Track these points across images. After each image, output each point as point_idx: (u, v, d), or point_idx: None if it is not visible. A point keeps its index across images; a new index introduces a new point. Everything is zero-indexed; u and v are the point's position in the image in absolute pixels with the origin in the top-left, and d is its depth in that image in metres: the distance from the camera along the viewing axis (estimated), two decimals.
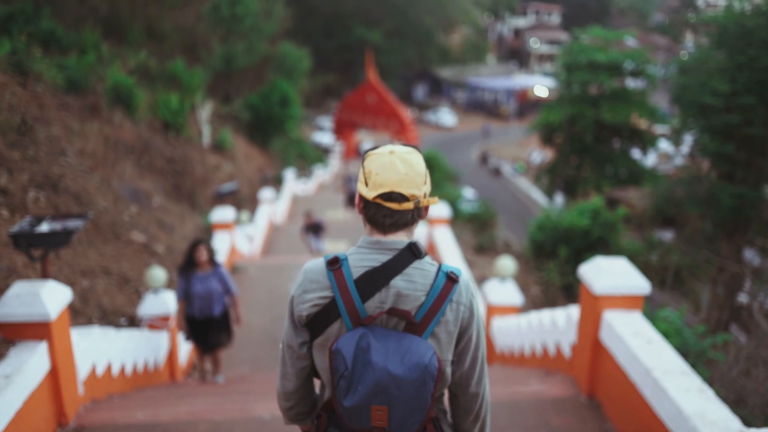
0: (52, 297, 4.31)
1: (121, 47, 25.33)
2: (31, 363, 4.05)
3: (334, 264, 1.93)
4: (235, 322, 7.27)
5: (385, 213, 1.92)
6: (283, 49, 36.22)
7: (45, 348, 4.26)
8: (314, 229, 14.89)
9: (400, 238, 1.96)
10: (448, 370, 1.99)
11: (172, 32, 32.87)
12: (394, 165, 1.89)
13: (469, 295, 1.99)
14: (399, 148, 1.96)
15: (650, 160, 35.74)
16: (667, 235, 24.26)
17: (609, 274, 4.67)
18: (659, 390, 3.79)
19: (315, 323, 1.96)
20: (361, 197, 1.97)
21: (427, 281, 1.92)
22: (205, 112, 23.62)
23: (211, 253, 6.79)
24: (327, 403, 2.04)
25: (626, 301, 4.71)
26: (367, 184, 1.92)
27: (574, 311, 5.35)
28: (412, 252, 1.94)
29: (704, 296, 15.75)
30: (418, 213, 1.97)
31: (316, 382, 2.20)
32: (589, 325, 4.83)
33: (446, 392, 2.15)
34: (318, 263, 1.99)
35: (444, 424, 2.11)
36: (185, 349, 8.70)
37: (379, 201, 1.90)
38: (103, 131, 14.16)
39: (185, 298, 6.80)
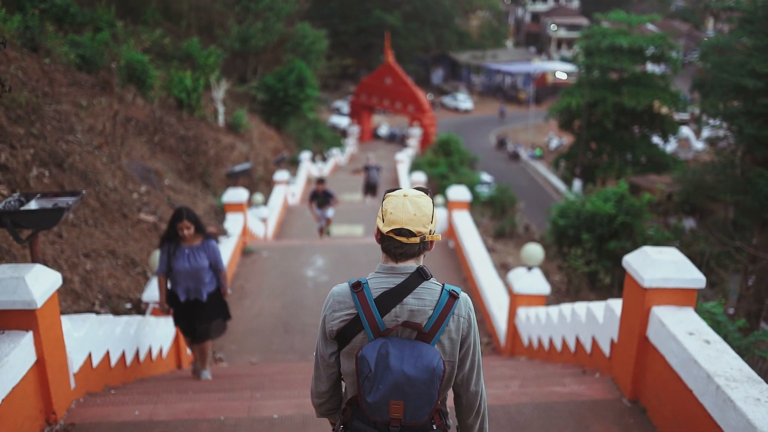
0: (39, 282, 3.87)
1: (137, 26, 24.86)
2: (13, 355, 3.62)
3: (357, 287, 2.30)
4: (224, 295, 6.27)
5: (396, 245, 2.28)
6: (301, 29, 35.61)
7: (30, 338, 3.84)
8: (322, 197, 14.48)
9: (410, 264, 2.32)
10: (452, 371, 2.35)
11: (188, 11, 32.40)
12: (405, 206, 2.26)
13: (467, 309, 2.36)
14: (412, 192, 2.31)
15: (669, 146, 35.07)
16: (688, 223, 23.64)
17: (660, 264, 4.16)
18: (723, 399, 3.31)
19: (342, 335, 2.33)
20: (379, 230, 2.32)
21: (434, 298, 2.29)
22: (220, 91, 23.17)
23: (197, 224, 5.82)
24: (351, 399, 2.39)
25: (679, 296, 4.21)
26: (383, 220, 2.29)
27: (615, 304, 4.85)
28: (420, 275, 2.30)
29: (732, 287, 15.13)
30: (424, 246, 2.32)
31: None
32: (635, 320, 4.34)
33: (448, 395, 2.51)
34: (343, 288, 2.37)
35: (446, 417, 2.42)
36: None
37: (391, 235, 2.27)
38: (113, 108, 13.71)
39: (168, 274, 5.89)
